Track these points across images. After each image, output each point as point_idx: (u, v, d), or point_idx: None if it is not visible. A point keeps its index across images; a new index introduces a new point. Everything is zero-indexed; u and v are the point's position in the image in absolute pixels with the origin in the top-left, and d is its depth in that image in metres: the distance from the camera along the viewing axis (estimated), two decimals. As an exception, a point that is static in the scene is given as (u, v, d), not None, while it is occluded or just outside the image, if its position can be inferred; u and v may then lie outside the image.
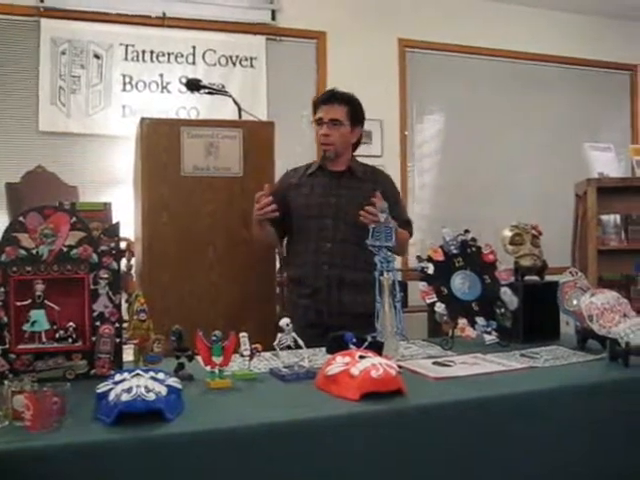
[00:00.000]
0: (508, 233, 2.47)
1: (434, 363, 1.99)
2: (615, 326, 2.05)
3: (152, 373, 1.49)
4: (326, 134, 2.80)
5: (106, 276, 1.80)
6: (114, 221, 1.97)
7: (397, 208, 2.78)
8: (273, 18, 5.08)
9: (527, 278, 2.44)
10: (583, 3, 5.78)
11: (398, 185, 5.22)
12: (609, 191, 4.30)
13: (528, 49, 5.78)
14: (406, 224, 2.84)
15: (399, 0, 5.42)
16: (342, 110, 2.83)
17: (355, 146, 2.96)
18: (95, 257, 1.80)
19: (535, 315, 2.34)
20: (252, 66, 5.02)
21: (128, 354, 1.87)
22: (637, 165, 4.39)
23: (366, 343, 1.82)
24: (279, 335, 1.85)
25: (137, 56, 4.78)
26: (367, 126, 5.11)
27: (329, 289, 2.72)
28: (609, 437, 1.82)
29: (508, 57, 5.76)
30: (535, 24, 5.83)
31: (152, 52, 4.81)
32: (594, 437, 1.80)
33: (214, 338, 1.71)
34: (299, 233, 2.84)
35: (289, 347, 1.85)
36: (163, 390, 1.43)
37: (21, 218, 1.77)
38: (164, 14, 4.77)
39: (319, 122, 2.83)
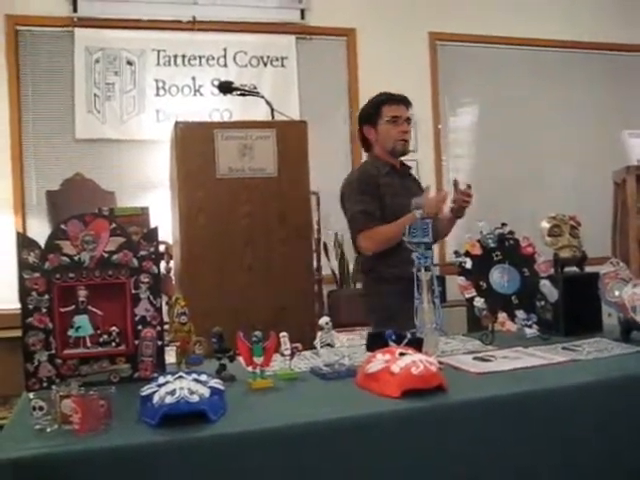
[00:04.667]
0: (546, 225, 2.44)
1: (475, 358, 1.97)
2: (659, 316, 2.02)
3: (194, 375, 1.50)
4: (406, 130, 3.04)
5: (146, 280, 1.82)
6: (152, 225, 2.00)
7: None
8: (302, 17, 5.10)
9: (567, 270, 2.40)
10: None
11: (434, 179, 5.25)
12: (649, 178, 4.23)
13: (560, 36, 5.69)
14: None
15: (426, -6, 5.39)
16: (409, 112, 3.10)
17: None
18: (135, 262, 1.83)
19: (576, 307, 2.31)
20: (283, 66, 5.04)
21: (170, 356, 1.89)
22: (677, 150, 4.29)
23: (406, 340, 1.82)
24: (319, 333, 1.85)
25: (169, 61, 4.83)
26: (400, 121, 5.19)
27: None
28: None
29: (540, 45, 5.67)
30: (567, 10, 5.74)
31: (184, 56, 4.86)
32: (635, 428, 1.77)
33: (255, 339, 1.72)
34: None
35: (329, 345, 1.85)
36: (206, 392, 1.45)
37: (63, 226, 1.80)
38: (194, 18, 4.82)
39: (394, 120, 3.02)
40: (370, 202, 2.93)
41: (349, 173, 3.31)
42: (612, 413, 1.74)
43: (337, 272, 4.65)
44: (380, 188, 2.96)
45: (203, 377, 1.51)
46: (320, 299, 4.42)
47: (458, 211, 3.00)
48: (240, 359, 1.79)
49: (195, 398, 1.40)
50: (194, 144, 2.85)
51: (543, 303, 2.27)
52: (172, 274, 3.15)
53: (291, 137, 2.94)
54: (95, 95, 4.71)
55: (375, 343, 1.84)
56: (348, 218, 3.06)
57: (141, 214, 2.27)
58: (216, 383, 1.52)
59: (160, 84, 4.84)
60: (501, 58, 5.59)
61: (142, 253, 1.83)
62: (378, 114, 3.06)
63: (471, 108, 5.55)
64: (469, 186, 2.96)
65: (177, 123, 2.87)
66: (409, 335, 1.85)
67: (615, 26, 5.87)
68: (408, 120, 3.07)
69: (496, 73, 5.49)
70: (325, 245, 4.65)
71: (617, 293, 2.21)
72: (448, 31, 5.41)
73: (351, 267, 4.64)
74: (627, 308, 2.11)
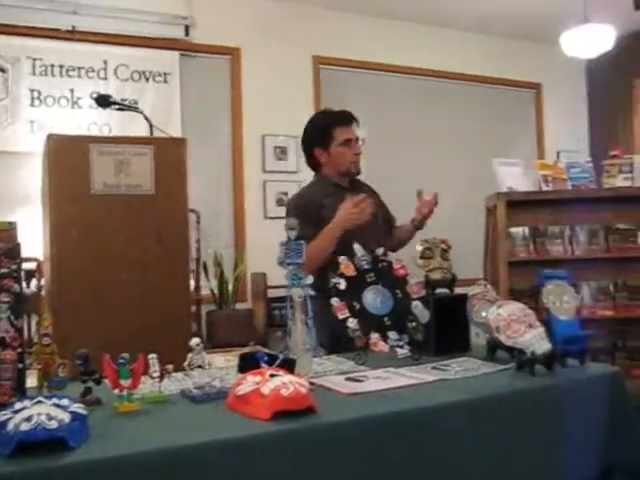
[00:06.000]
0: (419, 247, 2.51)
1: (347, 379, 1.99)
2: (521, 336, 2.11)
3: (55, 400, 1.43)
4: (360, 152, 3.03)
5: (7, 300, 1.73)
6: (19, 241, 1.91)
7: (389, 210, 3.27)
8: (187, 34, 5.05)
9: (438, 291, 2.48)
10: (488, 25, 6.00)
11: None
12: (517, 204, 4.44)
13: (438, 67, 5.95)
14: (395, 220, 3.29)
15: (312, 17, 5.48)
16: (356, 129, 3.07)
17: None
18: (-6, 280, 1.73)
19: (446, 328, 2.38)
20: (166, 82, 4.96)
21: (33, 380, 1.80)
22: (543, 179, 4.55)
23: (278, 361, 1.82)
24: (189, 355, 1.82)
25: (45, 70, 4.66)
26: (282, 142, 5.25)
27: None
28: (517, 445, 1.87)
29: (418, 74, 5.91)
30: (443, 43, 6.01)
31: (61, 66, 4.70)
32: (504, 445, 1.84)
33: (121, 361, 1.67)
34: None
35: (200, 367, 1.82)
36: (66, 417, 1.38)
37: None
38: (74, 27, 4.67)
39: (347, 142, 2.98)
40: (306, 227, 2.83)
41: (294, 194, 3.25)
42: (477, 430, 1.80)
43: (216, 292, 4.60)
44: (322, 210, 2.89)
45: (64, 401, 1.44)
46: (198, 319, 4.35)
47: (420, 222, 3.02)
48: (107, 382, 1.73)
49: (54, 424, 1.33)
50: (67, 158, 2.75)
51: (415, 324, 2.32)
52: (43, 292, 3.03)
53: (170, 154, 2.89)
54: (-37, 102, 4.48)
55: (247, 364, 1.83)
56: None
57: (8, 229, 2.15)
58: (78, 408, 1.46)
59: (35, 94, 4.64)
60: (382, 84, 5.76)
61: (2, 271, 1.74)
62: (330, 136, 2.99)
63: (353, 132, 5.65)
64: (435, 195, 2.99)
65: (50, 135, 2.77)
66: (281, 356, 1.85)
67: (488, 61, 6.20)
68: (357, 139, 3.05)
69: (377, 98, 5.65)
70: (204, 264, 4.59)
71: (484, 314, 2.29)
72: (332, 55, 5.51)
73: (230, 287, 4.60)
74: (492, 329, 2.20)
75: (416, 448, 1.69)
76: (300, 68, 5.42)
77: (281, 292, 2.32)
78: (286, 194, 5.25)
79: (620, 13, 5.33)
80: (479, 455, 1.79)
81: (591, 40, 5.04)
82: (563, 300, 2.41)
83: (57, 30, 4.66)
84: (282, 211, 5.03)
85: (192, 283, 3.74)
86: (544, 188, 4.52)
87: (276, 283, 4.20)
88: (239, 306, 4.70)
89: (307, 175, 5.27)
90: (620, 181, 4.50)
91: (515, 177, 4.61)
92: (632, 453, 2.07)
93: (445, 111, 6.01)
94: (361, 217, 2.73)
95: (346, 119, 3.04)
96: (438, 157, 5.95)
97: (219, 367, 2.10)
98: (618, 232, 4.51)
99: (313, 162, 3.09)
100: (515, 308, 2.21)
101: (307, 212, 2.84)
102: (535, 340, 2.07)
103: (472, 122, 6.11)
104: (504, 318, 2.17)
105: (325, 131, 3.01)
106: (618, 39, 5.18)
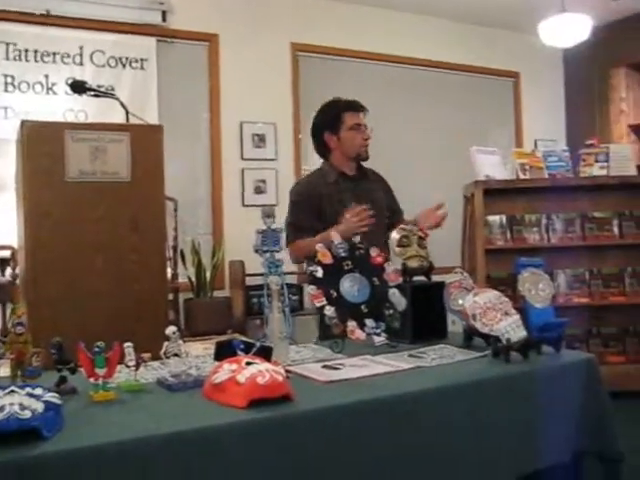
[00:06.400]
0: (396, 235, 2.52)
1: (324, 366, 2.00)
2: (497, 324, 2.13)
3: (29, 389, 1.42)
4: (369, 137, 3.12)
5: (-20, 288, 1.71)
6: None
7: (397, 201, 3.31)
8: (164, 19, 4.97)
9: (415, 279, 2.49)
10: (468, 13, 6.00)
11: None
12: (495, 193, 4.47)
13: (416, 55, 5.95)
14: (401, 213, 3.32)
15: (291, 4, 5.44)
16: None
17: None
18: (-34, 269, 1.71)
19: (423, 315, 2.40)
20: (143, 68, 4.90)
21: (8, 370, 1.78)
22: (520, 168, 4.58)
23: (254, 349, 1.81)
24: (166, 343, 1.81)
25: (19, 55, 4.57)
26: (260, 129, 5.22)
27: None
28: (492, 431, 1.89)
29: (397, 62, 5.90)
30: (422, 31, 6.01)
31: (36, 51, 4.61)
32: (478, 431, 1.86)
33: (96, 349, 1.66)
34: None
35: (176, 355, 1.81)
36: (40, 407, 1.37)
37: None
38: (48, 11, 4.58)
39: (357, 127, 3.09)
40: (302, 215, 2.97)
41: (296, 181, 3.32)
42: (452, 417, 1.82)
43: (194, 280, 4.58)
44: (322, 201, 2.98)
45: (38, 391, 1.43)
46: (176, 307, 4.34)
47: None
48: (82, 371, 1.72)
49: (27, 414, 1.32)
50: (42, 144, 2.71)
51: (392, 311, 2.33)
52: (18, 281, 3.00)
53: (146, 141, 2.87)
54: None
55: (223, 352, 1.83)
56: (285, 226, 3.00)
57: (-21, 217, 2.13)
58: (52, 397, 1.45)
59: (9, 79, 4.56)
60: (360, 71, 5.74)
61: (-25, 259, 1.72)
62: (339, 121, 3.08)
63: (331, 119, 5.62)
64: (439, 206, 3.03)
65: (24, 122, 2.73)
66: (258, 344, 1.85)
67: (467, 50, 6.20)
68: (365, 126, 3.13)
69: (355, 85, 5.59)
70: (182, 252, 4.57)
71: (460, 302, 2.31)
72: (309, 42, 5.49)
73: (208, 275, 4.59)
74: (468, 316, 2.21)
75: (392, 435, 1.70)
76: (278, 55, 5.39)
77: (259, 280, 2.31)
78: (264, 182, 5.24)
79: (597, 3, 5.37)
80: (455, 441, 1.81)
81: (568, 29, 5.06)
82: (539, 288, 2.43)
83: (31, 14, 4.57)
84: (260, 199, 5.09)
85: (169, 271, 3.73)
86: (521, 176, 4.54)
87: (254, 271, 4.18)
88: (217, 294, 4.69)
89: (285, 163, 5.34)
90: (596, 170, 4.54)
91: (493, 165, 4.64)
92: (605, 438, 2.10)
93: (424, 99, 6.01)
94: (360, 227, 2.71)
95: (355, 106, 3.15)
96: (416, 145, 5.95)
97: (196, 355, 2.09)
98: (594, 220, 4.56)
99: (323, 148, 3.15)
100: (491, 296, 2.23)
101: (306, 201, 2.98)
102: (510, 328, 2.10)
103: (451, 110, 6.11)
104: (480, 306, 2.19)
105: (335, 116, 3.11)
106: (594, 29, 5.21)
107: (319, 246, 2.29)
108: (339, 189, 3.03)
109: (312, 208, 2.96)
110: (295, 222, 2.95)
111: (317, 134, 3.15)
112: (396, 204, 3.32)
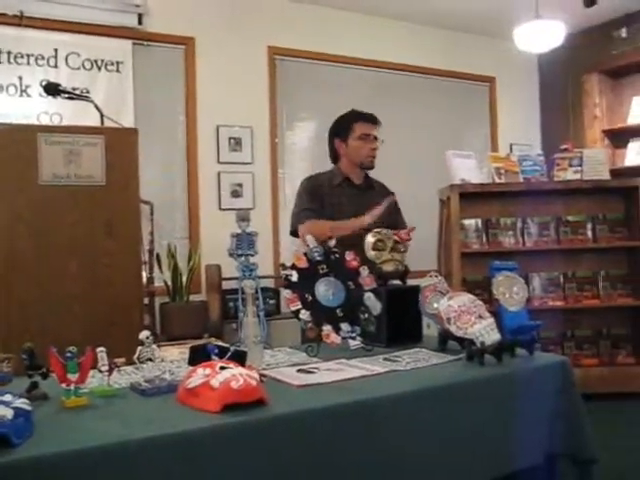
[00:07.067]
0: (371, 239, 2.53)
1: (298, 370, 2.00)
2: (471, 327, 2.14)
3: (-2, 395, 1.41)
4: (375, 147, 3.27)
5: (-51, 293, 1.69)
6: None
7: (401, 221, 3.32)
8: (140, 22, 4.93)
9: (390, 283, 2.50)
10: (444, 19, 6.03)
11: (269, 192, 5.30)
12: (471, 196, 4.50)
13: (392, 59, 5.95)
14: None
15: (268, 8, 5.43)
16: (378, 130, 3.32)
17: None
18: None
19: (398, 319, 2.41)
20: (118, 71, 4.86)
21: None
22: (496, 172, 4.61)
23: (229, 353, 1.81)
24: (139, 348, 1.80)
25: (-8, 57, 4.52)
26: (237, 133, 5.21)
27: None
28: (465, 434, 1.89)
29: (374, 66, 5.90)
30: (399, 36, 6.02)
31: (9, 53, 4.55)
32: (453, 434, 1.87)
33: (68, 354, 1.64)
34: None
35: (150, 360, 1.80)
36: (9, 413, 1.35)
37: None
38: (21, 13, 4.52)
39: (365, 137, 3.24)
40: (310, 202, 3.12)
41: (307, 176, 3.38)
42: (426, 420, 1.82)
43: (170, 283, 4.55)
44: (324, 197, 3.15)
45: (7, 397, 1.42)
46: (152, 311, 4.31)
47: None
48: (54, 376, 1.70)
49: (-4, 421, 1.30)
50: (14, 147, 2.70)
51: (367, 315, 2.34)
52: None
53: (121, 144, 2.86)
54: None
55: (198, 357, 1.82)
56: (294, 212, 3.17)
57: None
58: (22, 403, 1.43)
59: (-19, 81, 4.51)
60: (337, 75, 5.73)
61: (-56, 263, 1.70)
62: (350, 130, 3.25)
63: (308, 123, 5.62)
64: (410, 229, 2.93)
65: (-4, 124, 2.71)
66: (232, 348, 1.84)
67: (443, 54, 6.23)
68: (376, 138, 3.27)
69: (332, 90, 5.63)
70: (158, 256, 4.54)
71: (435, 305, 2.32)
72: (287, 46, 5.48)
73: (184, 279, 4.56)
74: (443, 319, 2.22)
75: (367, 439, 1.70)
76: (255, 59, 5.37)
77: (236, 284, 2.30)
78: (241, 185, 5.22)
79: (570, 10, 5.42)
80: (428, 444, 1.82)
81: (543, 35, 5.10)
82: (513, 291, 2.45)
83: (4, 15, 4.51)
84: (237, 202, 5.07)
85: (145, 275, 3.70)
86: (497, 180, 4.58)
87: (231, 275, 4.16)
88: (193, 298, 4.66)
89: (261, 167, 5.32)
90: (570, 174, 4.59)
91: (468, 169, 4.66)
92: (579, 440, 2.12)
93: (400, 103, 6.02)
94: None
95: (368, 118, 3.30)
96: (393, 149, 5.93)
97: (171, 360, 2.08)
98: (568, 224, 4.61)
99: (333, 153, 3.34)
100: (465, 299, 2.24)
101: (314, 191, 3.16)
102: (485, 331, 2.11)
103: (427, 114, 6.14)
104: (455, 309, 2.20)
105: (346, 125, 3.28)
106: (568, 36, 5.27)
107: (295, 250, 2.29)
108: (340, 193, 3.19)
109: (319, 198, 3.13)
110: (308, 208, 3.09)
111: (330, 140, 3.34)
112: (398, 223, 3.22)
